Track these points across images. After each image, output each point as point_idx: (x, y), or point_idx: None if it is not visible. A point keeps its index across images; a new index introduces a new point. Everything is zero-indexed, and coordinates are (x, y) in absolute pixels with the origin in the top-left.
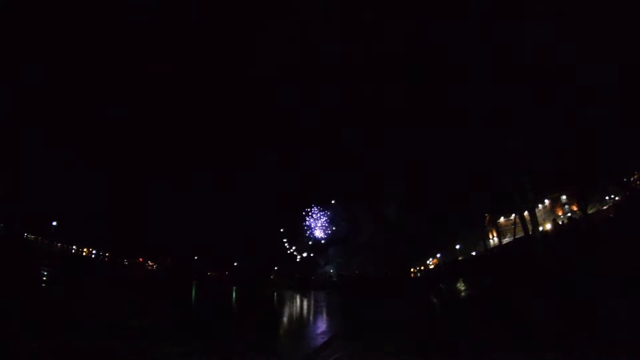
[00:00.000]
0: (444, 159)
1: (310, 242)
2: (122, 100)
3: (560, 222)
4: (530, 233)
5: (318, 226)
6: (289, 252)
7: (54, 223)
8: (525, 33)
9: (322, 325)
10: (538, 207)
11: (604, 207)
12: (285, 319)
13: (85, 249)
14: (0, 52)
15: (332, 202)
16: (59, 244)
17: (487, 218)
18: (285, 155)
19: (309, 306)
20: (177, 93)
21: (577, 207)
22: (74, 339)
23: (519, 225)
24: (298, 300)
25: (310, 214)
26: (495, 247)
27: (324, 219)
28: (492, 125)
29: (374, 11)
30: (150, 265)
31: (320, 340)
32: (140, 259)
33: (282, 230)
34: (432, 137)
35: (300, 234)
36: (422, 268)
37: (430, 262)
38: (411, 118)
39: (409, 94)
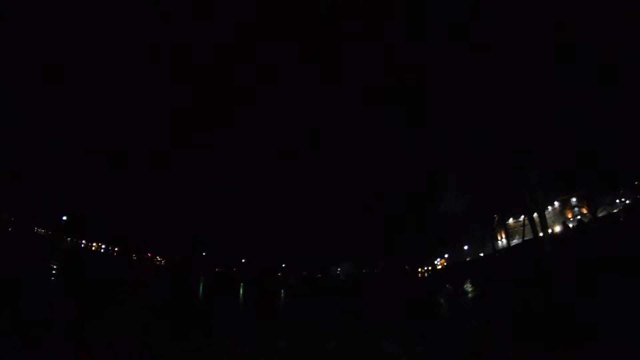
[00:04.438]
0: (453, 157)
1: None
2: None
3: (570, 225)
4: (540, 235)
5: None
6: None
7: (64, 218)
8: (540, 28)
9: None
10: (547, 209)
11: (614, 210)
12: None
13: (94, 244)
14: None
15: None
16: (68, 239)
17: (496, 219)
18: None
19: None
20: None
21: (586, 209)
22: (81, 334)
23: (528, 226)
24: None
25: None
26: (503, 248)
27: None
28: (504, 125)
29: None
30: (158, 261)
31: None
32: (149, 254)
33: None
34: (442, 135)
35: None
36: (430, 268)
37: (438, 262)
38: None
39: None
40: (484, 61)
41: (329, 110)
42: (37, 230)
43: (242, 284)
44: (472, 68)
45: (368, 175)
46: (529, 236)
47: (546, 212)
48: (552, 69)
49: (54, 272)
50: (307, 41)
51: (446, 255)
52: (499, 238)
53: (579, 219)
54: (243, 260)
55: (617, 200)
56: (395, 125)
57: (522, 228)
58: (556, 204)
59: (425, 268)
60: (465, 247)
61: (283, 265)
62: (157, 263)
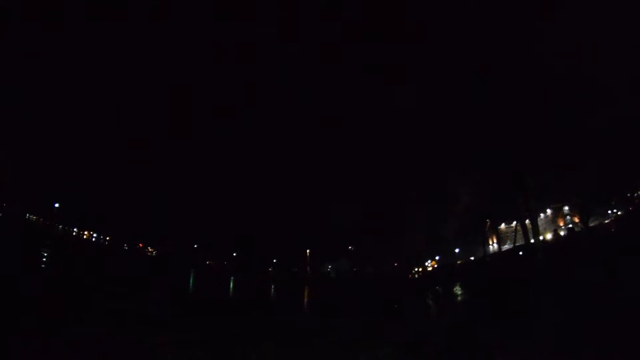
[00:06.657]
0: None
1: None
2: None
3: (561, 233)
4: (531, 241)
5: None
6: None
7: (57, 205)
8: (538, 39)
9: None
10: (540, 216)
11: (606, 221)
12: None
13: (86, 232)
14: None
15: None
16: (60, 226)
17: (488, 223)
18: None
19: None
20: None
21: (578, 219)
22: (71, 323)
23: (520, 232)
24: None
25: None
26: (494, 253)
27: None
28: (499, 132)
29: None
30: (150, 251)
31: None
32: (140, 245)
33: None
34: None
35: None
36: (420, 270)
37: (429, 265)
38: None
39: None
40: (486, 67)
41: (328, 108)
42: (28, 216)
43: (232, 278)
44: (473, 73)
45: (366, 174)
46: (520, 242)
47: (538, 219)
48: (552, 76)
49: (44, 259)
50: (306, 32)
51: (437, 257)
52: (490, 243)
53: (569, 227)
54: (234, 254)
55: (610, 211)
56: (394, 127)
57: (513, 234)
58: (549, 211)
59: (416, 269)
60: (457, 250)
61: (274, 261)
62: (149, 254)
